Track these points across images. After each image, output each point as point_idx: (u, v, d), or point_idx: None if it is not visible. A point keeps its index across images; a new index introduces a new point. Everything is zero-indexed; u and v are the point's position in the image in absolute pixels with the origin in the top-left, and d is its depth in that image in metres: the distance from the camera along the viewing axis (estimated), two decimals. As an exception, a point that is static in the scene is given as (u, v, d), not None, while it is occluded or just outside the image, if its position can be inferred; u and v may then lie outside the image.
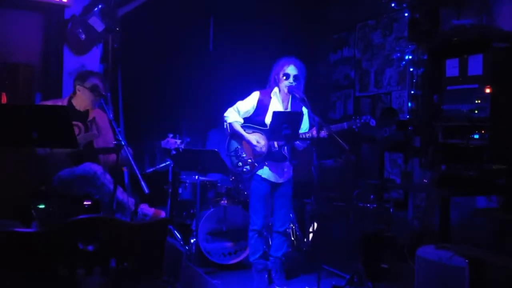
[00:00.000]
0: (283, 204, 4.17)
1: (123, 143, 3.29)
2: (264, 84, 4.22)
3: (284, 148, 4.07)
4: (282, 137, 3.76)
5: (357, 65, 6.05)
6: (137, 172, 3.19)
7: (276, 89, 4.12)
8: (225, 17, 5.91)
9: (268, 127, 3.98)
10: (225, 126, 4.13)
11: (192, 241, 4.50)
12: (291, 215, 4.64)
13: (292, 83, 4.01)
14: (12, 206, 3.68)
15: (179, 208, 4.93)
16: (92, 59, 5.22)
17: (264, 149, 4.04)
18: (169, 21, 5.57)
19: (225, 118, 4.09)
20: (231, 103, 4.14)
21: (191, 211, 4.82)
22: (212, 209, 4.62)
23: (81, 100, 4.10)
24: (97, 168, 3.80)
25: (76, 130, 3.95)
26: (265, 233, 4.44)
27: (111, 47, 5.12)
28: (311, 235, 5.00)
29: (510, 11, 3.99)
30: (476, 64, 3.67)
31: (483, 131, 3.56)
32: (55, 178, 3.83)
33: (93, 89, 4.02)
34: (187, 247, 4.50)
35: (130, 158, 3.28)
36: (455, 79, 3.83)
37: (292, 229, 4.87)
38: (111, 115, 3.50)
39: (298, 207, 5.11)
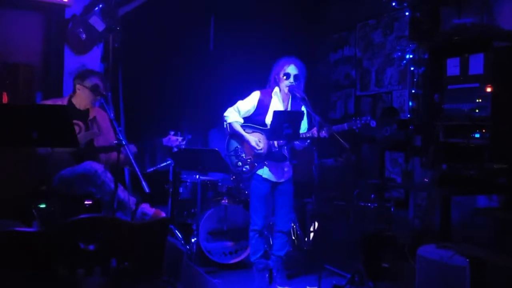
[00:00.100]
0: (284, 202, 4.16)
1: (124, 143, 3.30)
2: (265, 84, 4.21)
3: (284, 148, 4.07)
4: (283, 136, 3.76)
5: (358, 65, 6.04)
6: (138, 171, 3.19)
7: (276, 89, 4.12)
8: (225, 16, 5.90)
9: (268, 127, 3.98)
10: (225, 126, 4.13)
11: (193, 240, 4.49)
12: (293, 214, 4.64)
13: (292, 82, 4.01)
14: (13, 206, 3.68)
15: (180, 207, 4.93)
16: (93, 59, 5.22)
17: (264, 149, 4.04)
18: (169, 21, 5.56)
19: (225, 118, 4.09)
20: (232, 102, 4.13)
21: (192, 210, 4.82)
22: (213, 209, 4.62)
23: (81, 99, 4.10)
24: (98, 167, 3.80)
25: (77, 129, 3.96)
26: (265, 232, 4.45)
27: (112, 47, 5.12)
28: (311, 235, 5.00)
29: (510, 10, 3.98)
30: (477, 63, 3.66)
31: (484, 130, 3.56)
32: (56, 177, 3.83)
33: (93, 89, 4.03)
34: (188, 247, 4.50)
35: (131, 157, 3.28)
36: (456, 78, 3.82)
37: (293, 228, 4.87)
38: (112, 115, 3.50)
39: (299, 207, 5.10)
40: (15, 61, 4.82)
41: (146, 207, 4.16)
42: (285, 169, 4.16)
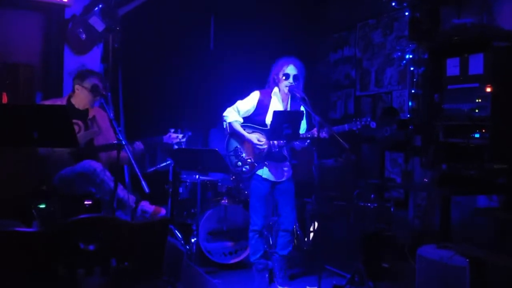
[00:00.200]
0: (286, 201, 4.16)
1: (123, 143, 3.30)
2: (264, 84, 4.21)
3: (284, 149, 4.07)
4: (283, 136, 3.76)
5: (358, 65, 6.04)
6: (138, 171, 3.19)
7: (276, 89, 4.12)
8: (225, 16, 5.90)
9: (268, 127, 3.98)
10: (224, 126, 4.13)
11: (192, 240, 4.49)
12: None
13: (292, 83, 4.01)
14: (13, 206, 3.68)
15: (179, 207, 4.93)
16: (93, 59, 5.22)
17: (264, 149, 4.04)
18: (169, 21, 5.56)
19: (225, 118, 4.09)
20: (232, 102, 4.13)
21: (192, 210, 4.82)
22: (212, 209, 4.62)
23: (80, 99, 4.10)
24: (96, 165, 3.80)
25: (76, 129, 3.96)
26: (265, 232, 4.45)
27: (112, 47, 5.12)
28: (311, 235, 5.00)
29: (510, 10, 3.98)
30: (476, 63, 3.66)
31: (483, 130, 3.55)
32: (56, 177, 3.83)
33: (92, 89, 4.03)
34: (187, 247, 4.50)
35: (131, 157, 3.28)
36: (456, 78, 3.82)
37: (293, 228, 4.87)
38: (111, 115, 3.50)
39: (299, 207, 5.10)
40: (15, 61, 4.82)
41: (146, 205, 4.16)
42: (285, 169, 4.16)
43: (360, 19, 5.99)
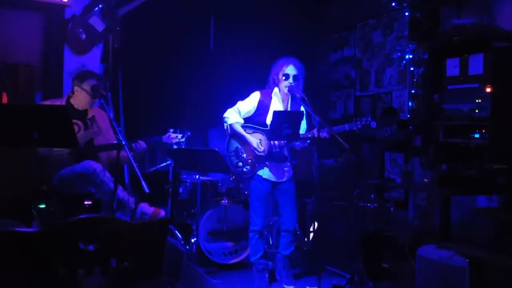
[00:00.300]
0: (287, 202, 4.17)
1: (123, 143, 3.30)
2: (264, 84, 4.21)
3: (284, 149, 4.07)
4: (283, 136, 3.76)
5: (358, 65, 6.04)
6: (138, 171, 3.19)
7: (276, 89, 4.12)
8: (225, 16, 5.90)
9: (269, 127, 3.98)
10: (225, 127, 4.13)
11: (192, 240, 4.49)
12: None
13: (292, 83, 4.01)
14: (13, 206, 3.68)
15: (179, 207, 4.93)
16: (93, 59, 5.22)
17: (265, 150, 4.04)
18: (169, 21, 5.56)
19: (225, 119, 4.09)
20: (232, 102, 4.13)
21: (192, 210, 4.82)
22: (212, 209, 4.62)
23: (79, 100, 4.10)
24: (96, 166, 3.81)
25: (76, 129, 3.96)
26: (265, 232, 4.45)
27: (112, 47, 5.12)
28: (311, 235, 5.00)
29: (510, 10, 3.98)
30: (476, 64, 3.66)
31: (483, 131, 3.55)
32: (56, 177, 3.83)
33: (91, 90, 4.03)
34: (187, 247, 4.50)
35: (131, 157, 3.28)
36: (456, 79, 3.82)
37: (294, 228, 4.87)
38: (111, 115, 3.50)
39: (299, 207, 5.10)
40: (15, 61, 4.82)
41: (145, 206, 4.17)
42: (285, 169, 4.16)
43: (360, 19, 5.99)
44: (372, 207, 4.53)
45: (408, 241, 4.53)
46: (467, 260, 3.23)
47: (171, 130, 4.21)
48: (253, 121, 4.12)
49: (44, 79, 5.11)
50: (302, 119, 3.88)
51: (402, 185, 5.10)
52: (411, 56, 4.88)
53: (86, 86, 4.05)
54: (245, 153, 4.10)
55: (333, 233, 4.62)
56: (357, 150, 5.27)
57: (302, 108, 4.04)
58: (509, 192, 3.58)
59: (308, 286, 4.15)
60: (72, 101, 4.11)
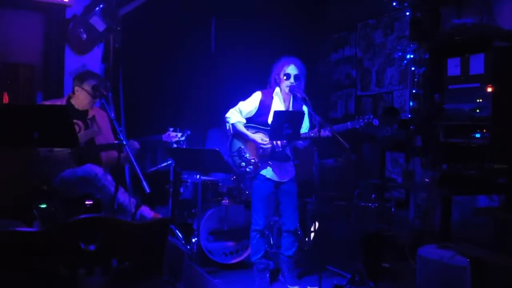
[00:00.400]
0: (289, 202, 4.17)
1: (124, 143, 3.30)
2: (265, 84, 4.21)
3: (287, 148, 4.07)
4: (283, 136, 3.75)
5: (359, 64, 6.04)
6: (139, 171, 3.20)
7: (277, 89, 4.12)
8: (226, 17, 5.90)
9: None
10: (227, 127, 4.12)
11: (193, 240, 4.50)
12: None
13: (293, 83, 4.01)
14: (13, 206, 3.69)
15: (180, 207, 4.93)
16: (93, 59, 5.22)
17: (268, 149, 4.04)
18: (170, 21, 5.56)
19: (227, 119, 4.09)
20: (233, 102, 4.13)
21: (193, 210, 4.82)
22: (213, 209, 4.62)
23: (79, 100, 4.11)
24: (98, 170, 3.81)
25: (76, 128, 3.96)
26: (266, 232, 4.45)
27: (112, 47, 5.13)
28: (312, 235, 5.00)
29: (510, 10, 3.98)
30: (477, 63, 3.66)
31: (484, 130, 3.56)
32: (57, 179, 3.84)
33: (91, 91, 4.04)
34: (188, 247, 4.50)
35: (131, 157, 3.28)
36: (457, 78, 3.82)
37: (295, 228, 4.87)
38: (112, 115, 3.51)
39: (299, 207, 5.10)
40: (15, 61, 4.83)
41: (145, 210, 4.17)
42: (288, 169, 4.16)
43: (360, 19, 5.99)
44: (372, 207, 4.53)
45: (408, 241, 4.53)
46: (468, 260, 3.23)
47: (171, 129, 4.22)
48: (255, 121, 4.12)
49: (44, 79, 5.11)
50: (303, 119, 3.88)
51: (402, 185, 5.10)
52: (412, 56, 4.88)
53: (87, 86, 4.05)
54: (248, 153, 4.10)
55: (333, 233, 4.62)
56: (357, 150, 5.27)
57: (304, 108, 4.04)
58: (510, 192, 3.57)
59: (309, 286, 4.15)
60: (73, 101, 4.12)
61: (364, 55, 5.96)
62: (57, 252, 1.86)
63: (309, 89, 4.10)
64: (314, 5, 6.42)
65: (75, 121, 3.95)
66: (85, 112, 4.15)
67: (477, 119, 3.58)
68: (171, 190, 4.82)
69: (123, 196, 3.96)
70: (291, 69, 4.02)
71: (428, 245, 3.62)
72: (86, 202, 3.85)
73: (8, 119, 3.03)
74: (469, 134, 3.63)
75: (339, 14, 6.34)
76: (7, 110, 3.20)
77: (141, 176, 3.16)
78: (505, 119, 3.50)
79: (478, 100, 3.61)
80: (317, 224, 4.95)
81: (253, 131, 4.09)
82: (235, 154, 4.10)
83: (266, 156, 4.05)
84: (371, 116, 3.78)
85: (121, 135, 3.32)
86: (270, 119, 4.02)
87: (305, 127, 4.08)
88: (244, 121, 4.11)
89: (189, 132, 4.32)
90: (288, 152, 4.11)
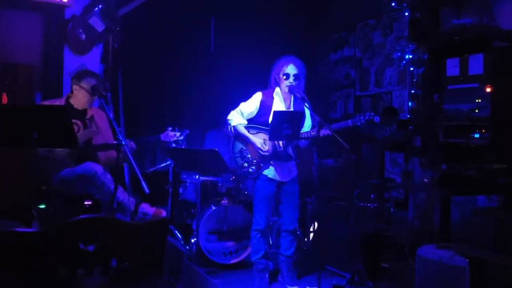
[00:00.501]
0: (289, 202, 4.17)
1: (123, 143, 3.30)
2: (265, 84, 4.21)
3: (289, 148, 4.07)
4: (282, 136, 3.75)
5: (358, 65, 6.04)
6: (138, 171, 3.19)
7: (277, 89, 4.12)
8: (226, 17, 5.90)
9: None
10: (229, 129, 4.13)
11: (192, 240, 4.50)
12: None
13: (292, 82, 4.01)
14: (12, 206, 3.68)
15: (179, 207, 4.93)
16: (93, 59, 5.22)
17: (269, 150, 4.04)
18: (169, 21, 5.56)
19: (229, 121, 4.09)
20: (233, 103, 4.13)
21: (192, 210, 4.82)
22: (212, 209, 4.62)
23: (78, 99, 4.11)
24: (97, 168, 3.81)
25: (75, 128, 3.96)
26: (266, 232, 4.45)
27: (112, 47, 5.12)
28: (311, 235, 5.00)
29: (510, 10, 3.98)
30: (476, 63, 3.66)
31: (483, 131, 3.55)
32: (56, 178, 3.83)
33: (90, 89, 4.04)
34: (187, 247, 4.50)
35: (130, 157, 3.28)
36: (456, 79, 3.82)
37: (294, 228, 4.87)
38: (111, 115, 3.51)
39: (300, 207, 5.10)
40: (15, 61, 4.83)
41: (146, 207, 4.17)
42: (290, 168, 4.16)
43: (360, 19, 5.99)
44: (372, 207, 4.53)
45: (408, 241, 4.53)
46: (467, 260, 3.23)
47: (170, 128, 4.22)
48: (257, 121, 4.12)
49: (44, 79, 5.11)
50: (302, 119, 3.88)
51: (402, 185, 5.10)
52: (411, 56, 4.88)
53: (84, 84, 4.06)
54: (250, 153, 4.10)
55: (333, 233, 4.62)
56: (357, 150, 5.27)
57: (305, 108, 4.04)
58: (509, 192, 3.58)
59: (308, 286, 4.15)
60: (72, 101, 4.12)
61: (363, 55, 5.96)
62: (56, 252, 1.86)
63: (309, 89, 4.10)
64: (313, 5, 6.42)
65: (74, 121, 3.95)
66: (84, 111, 4.15)
67: (476, 119, 3.57)
68: (170, 190, 4.82)
69: (122, 195, 3.96)
70: (290, 69, 4.02)
71: (427, 245, 3.62)
72: (85, 203, 3.85)
73: (7, 119, 3.03)
74: (468, 134, 3.63)
75: (339, 14, 6.34)
76: (6, 110, 3.20)
77: (140, 176, 3.16)
78: (504, 119, 3.50)
79: (477, 100, 3.61)
80: (316, 224, 4.96)
81: (255, 132, 4.10)
82: (237, 155, 4.10)
83: (267, 156, 4.05)
84: (372, 113, 3.78)
85: (120, 135, 3.32)
86: (271, 119, 4.02)
87: (307, 126, 4.08)
88: (246, 122, 4.11)
89: (187, 132, 4.32)
90: (290, 151, 4.11)
